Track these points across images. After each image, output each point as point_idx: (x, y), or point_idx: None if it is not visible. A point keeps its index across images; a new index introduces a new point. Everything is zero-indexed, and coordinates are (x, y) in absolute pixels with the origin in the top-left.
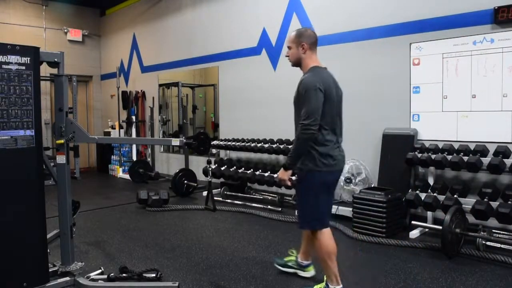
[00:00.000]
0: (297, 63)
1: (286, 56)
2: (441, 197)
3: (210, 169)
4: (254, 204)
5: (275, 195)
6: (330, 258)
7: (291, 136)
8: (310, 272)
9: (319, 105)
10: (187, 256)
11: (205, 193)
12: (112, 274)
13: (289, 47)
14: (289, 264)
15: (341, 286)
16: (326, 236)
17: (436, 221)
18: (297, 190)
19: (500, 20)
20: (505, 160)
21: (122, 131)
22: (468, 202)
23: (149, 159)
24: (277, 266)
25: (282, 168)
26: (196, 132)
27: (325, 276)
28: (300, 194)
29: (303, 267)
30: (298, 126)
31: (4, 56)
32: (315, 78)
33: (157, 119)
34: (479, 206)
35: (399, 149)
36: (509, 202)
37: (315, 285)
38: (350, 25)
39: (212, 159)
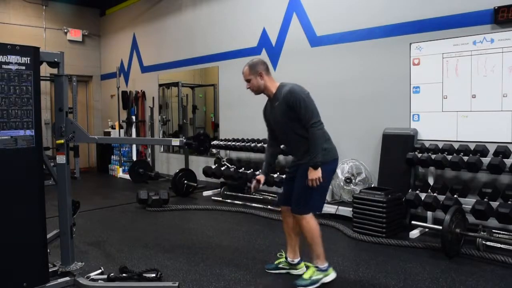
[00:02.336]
0: (260, 90)
1: (248, 88)
2: (441, 197)
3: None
4: (254, 204)
5: (275, 195)
6: (320, 238)
7: None
8: (302, 269)
9: (315, 106)
10: (187, 256)
11: (205, 193)
12: (112, 274)
13: (248, 80)
14: (280, 266)
15: (328, 263)
16: (315, 219)
17: (436, 221)
18: (301, 181)
19: (500, 20)
20: (505, 160)
21: (122, 131)
22: (468, 202)
23: (149, 159)
24: (268, 271)
25: (311, 169)
26: (196, 132)
27: (310, 263)
28: (305, 184)
29: (294, 265)
30: (310, 127)
31: (4, 56)
32: (299, 87)
33: (157, 119)
34: (479, 206)
35: (399, 149)
36: (509, 202)
37: (305, 273)
38: (350, 25)
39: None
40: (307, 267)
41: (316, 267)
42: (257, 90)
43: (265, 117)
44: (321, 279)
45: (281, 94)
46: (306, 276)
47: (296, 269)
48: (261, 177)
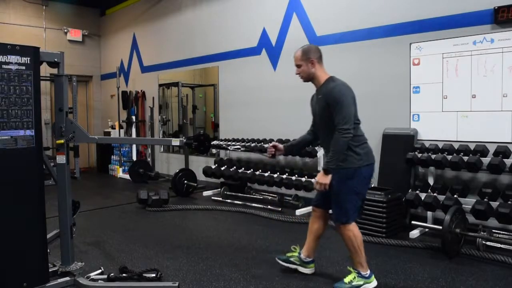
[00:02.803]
0: (309, 78)
1: (297, 74)
2: (441, 197)
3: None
4: (254, 204)
5: (275, 195)
6: (362, 245)
7: (291, 136)
8: (311, 269)
9: (353, 111)
10: (187, 256)
11: (205, 193)
12: (112, 274)
13: (298, 65)
14: (291, 259)
15: (370, 271)
16: (356, 226)
17: (436, 221)
18: (338, 187)
19: (500, 20)
20: (505, 160)
21: (122, 131)
22: (468, 202)
23: (149, 159)
24: (279, 261)
25: (322, 173)
26: (196, 132)
27: (352, 268)
28: (342, 191)
29: (305, 263)
30: (337, 131)
31: (4, 56)
32: (345, 86)
33: (157, 119)
34: (479, 206)
35: (399, 149)
36: (509, 202)
37: (345, 278)
38: (350, 25)
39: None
40: (349, 272)
41: (358, 272)
42: (306, 78)
43: (311, 106)
44: (361, 285)
45: (326, 89)
46: (346, 280)
47: (306, 267)
48: (280, 145)
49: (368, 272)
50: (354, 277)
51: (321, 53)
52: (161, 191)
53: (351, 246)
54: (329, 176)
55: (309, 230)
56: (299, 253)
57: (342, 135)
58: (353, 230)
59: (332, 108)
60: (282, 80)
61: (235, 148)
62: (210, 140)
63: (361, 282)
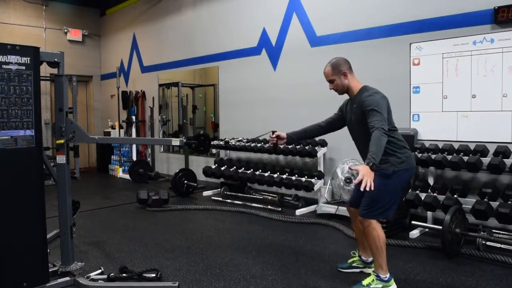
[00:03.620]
0: (344, 90)
1: (331, 89)
2: (441, 197)
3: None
4: (254, 204)
5: (275, 195)
6: (385, 247)
7: None
8: None
9: (385, 118)
10: (187, 256)
11: (205, 193)
12: (112, 274)
13: (331, 81)
14: (354, 265)
15: (389, 274)
16: (380, 226)
17: (436, 221)
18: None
19: (500, 20)
20: (505, 160)
21: (122, 131)
22: (468, 202)
23: (149, 159)
24: (342, 270)
25: (368, 168)
26: (196, 132)
27: (371, 270)
28: (380, 188)
29: (368, 264)
30: (376, 129)
31: (4, 56)
32: (379, 95)
33: (157, 119)
34: (479, 206)
35: None
36: (509, 202)
37: (363, 280)
38: (350, 25)
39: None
40: (368, 274)
41: (377, 275)
42: (341, 90)
43: (341, 110)
44: None
45: (360, 98)
46: (364, 282)
47: (371, 267)
48: (283, 134)
49: (388, 275)
50: (373, 280)
51: (350, 64)
52: (161, 191)
53: (374, 246)
54: (373, 173)
55: (356, 232)
56: (360, 256)
57: (383, 133)
58: (377, 228)
59: (367, 116)
60: (282, 80)
61: (237, 141)
62: (210, 140)
63: (380, 286)
